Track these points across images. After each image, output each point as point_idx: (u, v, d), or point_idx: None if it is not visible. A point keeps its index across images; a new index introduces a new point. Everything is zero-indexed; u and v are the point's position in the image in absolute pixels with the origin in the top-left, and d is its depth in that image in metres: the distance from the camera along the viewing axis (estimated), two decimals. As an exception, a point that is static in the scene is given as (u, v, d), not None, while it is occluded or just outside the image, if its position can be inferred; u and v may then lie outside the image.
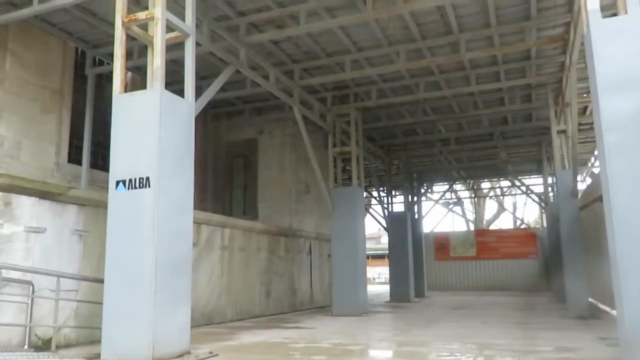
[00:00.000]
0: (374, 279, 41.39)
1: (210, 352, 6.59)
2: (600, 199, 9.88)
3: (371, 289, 20.28)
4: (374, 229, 41.63)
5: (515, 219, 34.84)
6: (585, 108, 14.84)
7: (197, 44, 7.96)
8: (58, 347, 6.76)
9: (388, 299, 18.84)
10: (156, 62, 6.59)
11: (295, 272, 14.88)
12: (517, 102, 14.35)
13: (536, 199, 23.15)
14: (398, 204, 23.21)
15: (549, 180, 19.81)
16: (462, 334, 8.95)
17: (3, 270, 6.11)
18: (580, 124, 14.57)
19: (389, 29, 10.36)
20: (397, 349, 7.52)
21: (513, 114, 15.82)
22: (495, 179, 29.53)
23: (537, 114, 15.79)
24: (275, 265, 13.71)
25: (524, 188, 23.99)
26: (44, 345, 6.87)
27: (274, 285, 13.53)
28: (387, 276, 23.73)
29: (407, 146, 19.62)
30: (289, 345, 7.65)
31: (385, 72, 12.23)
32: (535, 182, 25.03)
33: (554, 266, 19.21)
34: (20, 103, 9.73)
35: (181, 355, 6.22)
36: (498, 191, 33.81)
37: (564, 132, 12.79)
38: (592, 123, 14.82)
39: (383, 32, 10.48)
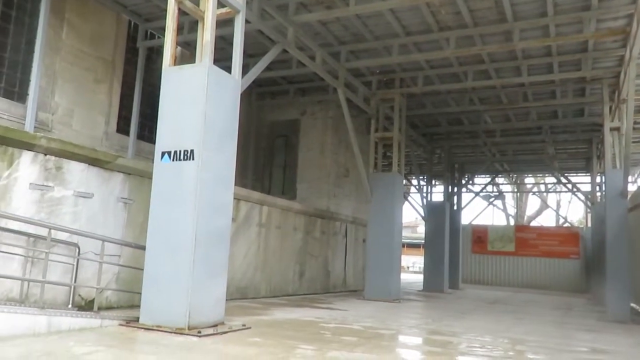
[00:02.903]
0: (408, 267, 41.24)
1: (243, 325, 6.73)
2: (651, 200, 9.48)
3: (405, 277, 20.23)
4: (411, 217, 41.35)
5: (558, 217, 33.87)
6: (643, 106, 14.19)
7: (247, 21, 8.01)
8: (100, 308, 7.04)
9: (421, 288, 18.74)
10: (206, 37, 6.67)
11: (330, 254, 14.96)
12: (570, 95, 13.86)
13: (582, 197, 22.39)
14: (437, 194, 22.92)
15: (598, 179, 19.12)
16: (494, 328, 8.84)
17: (52, 231, 6.38)
18: (635, 122, 13.96)
19: (440, 14, 10.13)
20: (428, 336, 7.50)
21: (564, 108, 15.31)
22: (540, 175, 28.69)
23: (589, 109, 15.22)
24: (310, 246, 13.82)
25: (570, 185, 23.24)
26: (87, 306, 7.18)
27: (308, 266, 13.66)
28: (422, 266, 23.57)
29: (451, 135, 19.29)
30: (320, 324, 7.73)
31: (434, 59, 12.02)
32: (583, 180, 24.21)
33: (596, 268, 18.63)
34: (74, 72, 10.06)
35: (215, 325, 6.38)
36: (542, 187, 32.88)
37: (617, 129, 12.29)
38: (648, 121, 14.21)
39: (434, 17, 10.26)
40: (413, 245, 42.19)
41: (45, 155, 6.90)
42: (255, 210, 11.42)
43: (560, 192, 31.42)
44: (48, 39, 9.37)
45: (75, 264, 7.04)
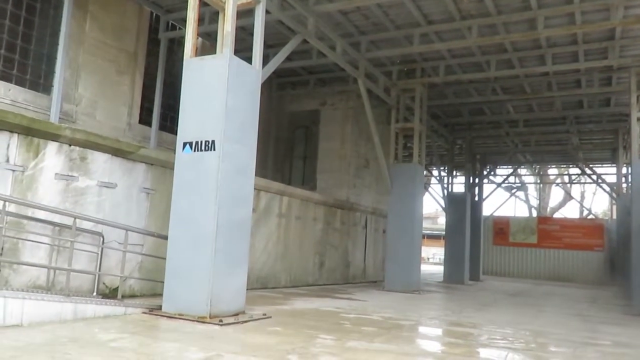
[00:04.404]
0: (428, 259, 41.07)
1: (264, 314, 6.79)
2: (679, 192, 9.24)
3: (425, 268, 20.14)
4: (431, 208, 41.13)
5: (582, 208, 33.31)
6: (672, 95, 13.81)
7: (267, 12, 8.01)
8: (123, 296, 7.18)
9: (441, 279, 18.66)
10: (227, 28, 6.68)
11: (350, 245, 14.97)
12: (595, 85, 13.56)
13: (607, 189, 21.97)
14: (458, 185, 22.70)
15: (624, 170, 18.73)
16: (516, 320, 8.76)
17: (77, 221, 6.50)
18: (664, 112, 13.60)
19: (462, 2, 9.97)
20: (448, 328, 7.47)
21: (590, 97, 14.98)
22: (564, 166, 28.21)
23: (616, 99, 14.88)
24: (330, 236, 13.84)
25: (594, 177, 22.80)
26: (111, 294, 7.32)
27: (328, 256, 13.70)
28: (442, 257, 23.45)
29: (473, 126, 19.06)
30: (340, 314, 7.76)
31: (455, 48, 11.85)
32: (608, 172, 23.75)
33: (621, 260, 18.31)
34: (97, 64, 10.18)
35: (236, 314, 6.45)
36: (566, 178, 32.33)
37: (645, 119, 12.00)
38: (678, 111, 13.82)
39: (456, 5, 10.10)
40: (433, 237, 41.98)
41: (70, 145, 7.02)
42: (276, 201, 11.47)
43: (584, 183, 30.88)
44: (72, 31, 9.49)
45: (99, 252, 7.18)
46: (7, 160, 6.30)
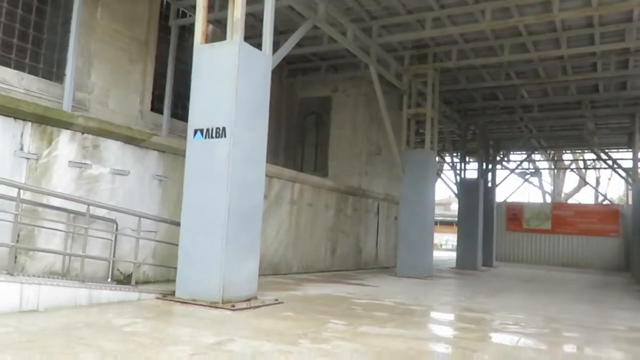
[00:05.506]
0: (440, 245, 41.01)
1: (276, 300, 6.84)
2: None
3: (437, 254, 20.11)
4: (444, 195, 40.95)
5: (597, 194, 32.93)
6: (690, 78, 13.56)
7: (277, -3, 7.94)
8: (137, 282, 7.24)
9: (454, 265, 18.63)
10: (236, 14, 6.66)
11: (362, 232, 14.98)
12: (612, 68, 13.32)
13: (623, 174, 21.66)
14: (471, 171, 22.57)
15: (640, 155, 18.43)
16: (529, 305, 8.73)
17: (91, 208, 6.56)
18: (682, 95, 13.36)
19: (475, -15, 9.83)
20: (460, 313, 7.47)
21: (606, 81, 14.74)
22: (579, 151, 27.85)
23: (632, 82, 14.62)
24: (342, 223, 13.86)
25: (610, 162, 22.49)
26: (125, 280, 7.40)
27: (339, 243, 13.72)
28: (454, 243, 23.39)
29: (486, 111, 18.87)
30: (352, 300, 7.79)
31: (468, 32, 11.70)
32: (624, 157, 23.39)
33: (636, 246, 18.11)
34: (110, 52, 10.21)
35: (248, 300, 6.51)
36: (581, 164, 31.95)
37: (662, 102, 11.79)
38: (696, 94, 13.55)
39: (469, -12, 9.97)
40: (446, 223, 41.85)
41: (83, 133, 7.07)
42: (287, 188, 11.49)
43: (599, 168, 30.50)
44: (83, 19, 9.50)
45: (113, 239, 7.26)
46: (22, 149, 6.37)
